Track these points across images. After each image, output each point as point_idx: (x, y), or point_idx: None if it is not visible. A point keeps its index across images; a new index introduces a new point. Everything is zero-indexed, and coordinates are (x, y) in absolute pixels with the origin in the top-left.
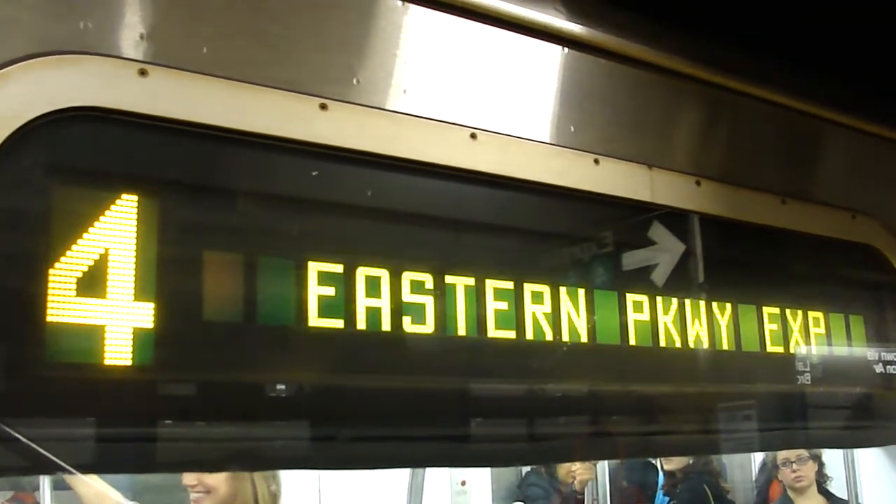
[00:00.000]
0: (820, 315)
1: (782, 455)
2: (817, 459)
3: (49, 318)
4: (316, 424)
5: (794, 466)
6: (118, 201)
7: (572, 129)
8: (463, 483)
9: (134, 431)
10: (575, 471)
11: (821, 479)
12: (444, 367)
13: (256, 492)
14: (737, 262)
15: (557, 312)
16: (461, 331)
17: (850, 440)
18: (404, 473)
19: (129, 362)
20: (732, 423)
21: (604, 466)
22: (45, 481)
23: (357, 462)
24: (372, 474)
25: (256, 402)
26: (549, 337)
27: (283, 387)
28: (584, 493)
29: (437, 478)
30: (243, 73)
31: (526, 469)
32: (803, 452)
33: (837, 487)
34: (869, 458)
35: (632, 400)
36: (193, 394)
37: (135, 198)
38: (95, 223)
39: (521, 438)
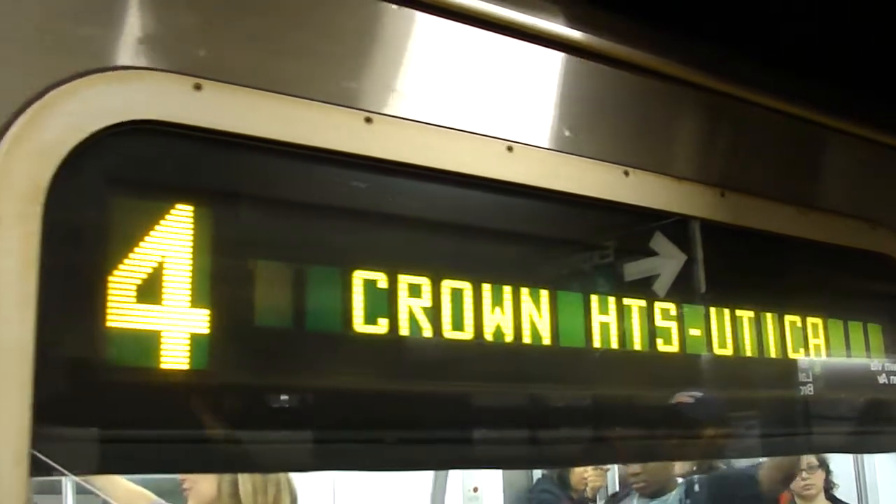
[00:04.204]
0: (839, 323)
1: None
2: (825, 467)
3: (109, 324)
4: (361, 427)
5: (804, 475)
6: (174, 211)
7: (601, 140)
8: (475, 489)
9: (188, 433)
10: (587, 477)
11: (828, 487)
12: (485, 372)
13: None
14: (761, 271)
15: (589, 320)
16: (504, 338)
17: (874, 445)
18: (419, 478)
19: (185, 366)
20: (759, 428)
21: (614, 473)
22: (66, 485)
23: (402, 464)
24: (385, 479)
25: (304, 406)
26: (582, 344)
27: (328, 390)
28: (595, 499)
29: (450, 483)
30: (292, 88)
31: (537, 475)
32: (813, 460)
33: (847, 494)
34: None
35: (668, 407)
36: (245, 397)
37: (190, 208)
38: (153, 232)
39: (564, 441)
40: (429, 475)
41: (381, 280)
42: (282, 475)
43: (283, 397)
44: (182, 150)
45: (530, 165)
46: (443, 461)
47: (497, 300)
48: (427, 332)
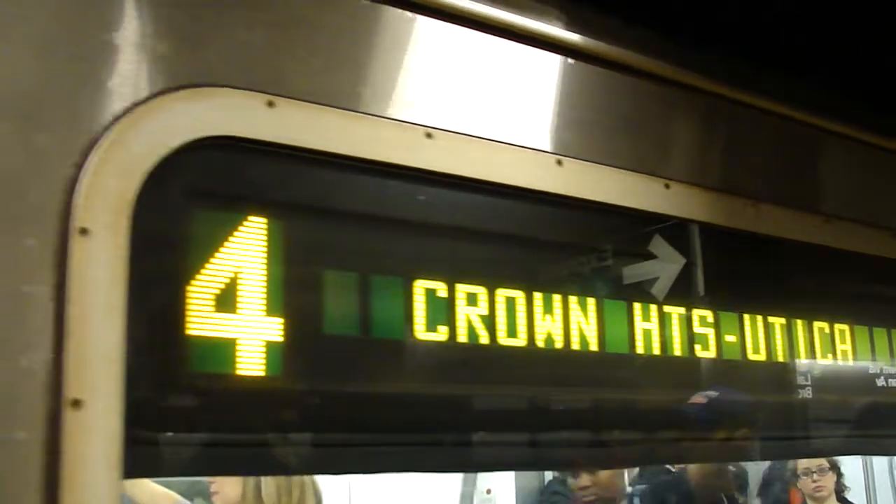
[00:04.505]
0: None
1: (803, 465)
2: (836, 469)
3: (189, 332)
4: (423, 430)
5: (815, 476)
6: (249, 223)
7: (643, 155)
8: (488, 491)
9: (263, 437)
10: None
11: (839, 489)
12: (539, 377)
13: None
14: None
15: (632, 327)
16: (554, 344)
17: None
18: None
19: (261, 372)
20: (812, 429)
21: (624, 476)
22: None
23: (462, 466)
24: (401, 480)
25: (371, 410)
26: (624, 350)
27: (394, 395)
28: None
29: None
30: (358, 104)
31: (548, 477)
32: (824, 463)
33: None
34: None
35: (718, 410)
36: (316, 402)
37: (263, 220)
38: (229, 243)
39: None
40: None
41: (441, 289)
42: (306, 476)
43: (351, 402)
44: (255, 164)
45: (579, 178)
46: (502, 463)
47: (548, 308)
48: (483, 338)
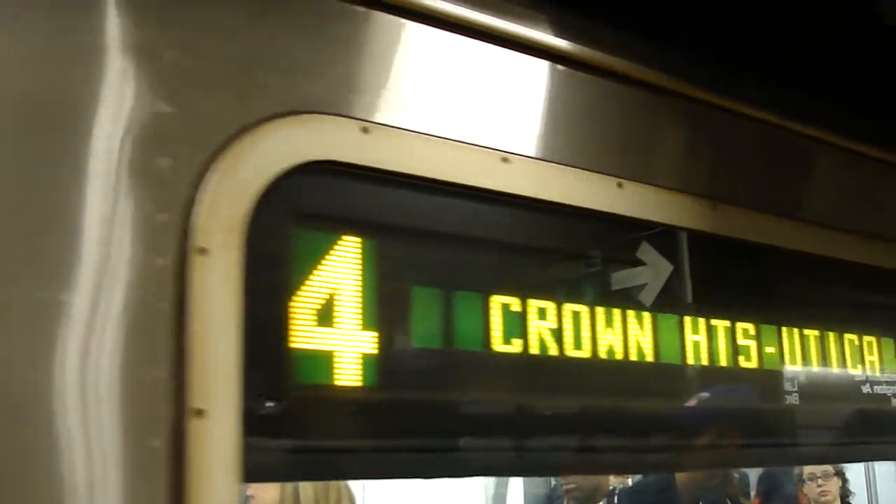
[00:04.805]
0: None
1: (808, 470)
2: (841, 475)
3: (293, 345)
4: (502, 434)
5: (820, 482)
6: (344, 242)
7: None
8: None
9: (361, 443)
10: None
11: (844, 494)
12: (602, 386)
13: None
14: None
15: (684, 337)
16: (615, 356)
17: None
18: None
19: (358, 383)
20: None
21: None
22: None
23: (537, 469)
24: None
25: (457, 416)
26: (680, 360)
27: (477, 402)
28: None
29: (475, 489)
30: (443, 130)
31: (554, 481)
32: (829, 468)
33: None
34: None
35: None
36: (408, 410)
37: (358, 239)
38: (327, 261)
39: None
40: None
41: (515, 304)
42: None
43: (438, 409)
44: (351, 186)
45: (641, 199)
46: (576, 466)
47: (609, 322)
48: (552, 351)
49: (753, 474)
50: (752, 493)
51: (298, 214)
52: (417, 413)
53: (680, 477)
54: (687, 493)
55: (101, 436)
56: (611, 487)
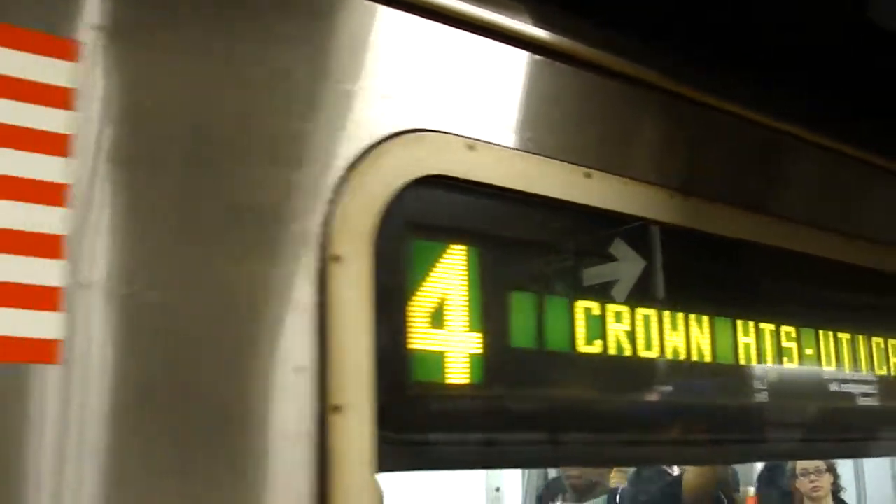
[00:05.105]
0: None
1: (801, 466)
2: (833, 471)
3: (409, 346)
4: (589, 428)
5: (812, 477)
6: (452, 251)
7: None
8: (497, 489)
9: (469, 436)
10: (612, 477)
11: (836, 490)
12: (673, 384)
13: None
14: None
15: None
16: (683, 356)
17: None
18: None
19: (466, 380)
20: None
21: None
22: None
23: (618, 460)
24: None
25: (551, 410)
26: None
27: (566, 398)
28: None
29: (475, 484)
30: (534, 148)
31: (552, 475)
32: (821, 464)
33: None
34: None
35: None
36: (508, 404)
37: (464, 248)
38: (438, 268)
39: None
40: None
41: (595, 308)
42: None
43: (534, 404)
44: (458, 199)
45: (701, 212)
46: (652, 457)
47: (673, 325)
48: (626, 352)
49: (742, 470)
50: (753, 490)
51: (415, 225)
52: (516, 407)
53: (687, 479)
54: (692, 496)
55: (256, 430)
56: (613, 486)
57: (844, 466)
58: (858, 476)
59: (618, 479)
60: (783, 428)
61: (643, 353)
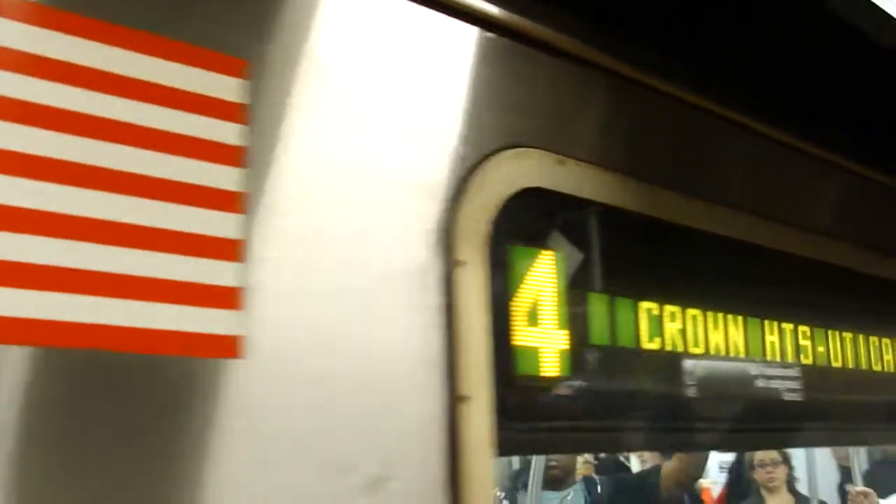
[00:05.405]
0: None
1: (758, 457)
2: (788, 463)
3: (513, 343)
4: (652, 417)
5: (769, 469)
6: (544, 256)
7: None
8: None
9: (560, 424)
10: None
11: (790, 480)
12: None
13: None
14: None
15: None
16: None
17: None
18: None
19: (556, 374)
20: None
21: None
22: None
23: (681, 446)
24: None
25: (619, 401)
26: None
27: (634, 390)
28: None
29: None
30: (611, 163)
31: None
32: (777, 456)
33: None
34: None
35: None
36: (590, 395)
37: (552, 253)
38: (534, 272)
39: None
40: None
41: (654, 308)
42: None
43: (611, 395)
44: (551, 210)
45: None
46: (707, 444)
47: (715, 325)
48: (678, 347)
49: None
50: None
51: (516, 233)
52: (598, 397)
53: (665, 471)
54: (669, 487)
55: (394, 420)
56: (590, 475)
57: (797, 459)
58: (810, 466)
59: (584, 470)
60: None
61: (693, 350)
